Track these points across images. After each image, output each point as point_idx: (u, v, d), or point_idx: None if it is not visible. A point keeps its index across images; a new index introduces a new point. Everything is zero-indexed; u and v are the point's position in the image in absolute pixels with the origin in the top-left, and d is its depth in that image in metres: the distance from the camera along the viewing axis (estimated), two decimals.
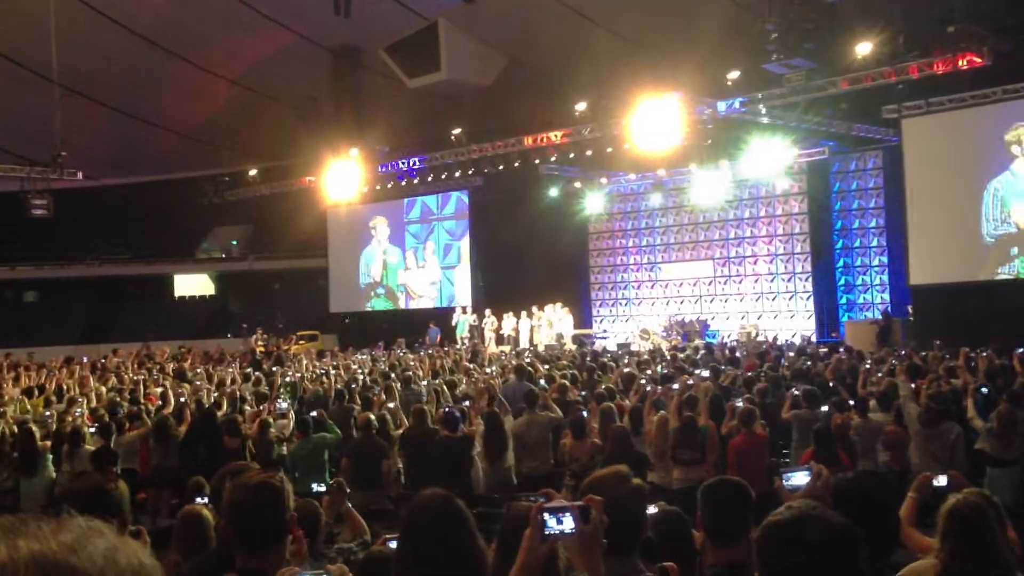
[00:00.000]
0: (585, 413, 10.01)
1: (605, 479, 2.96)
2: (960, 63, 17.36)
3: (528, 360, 17.17)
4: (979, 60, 17.32)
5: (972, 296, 20.29)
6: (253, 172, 31.04)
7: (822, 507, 2.16)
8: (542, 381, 12.99)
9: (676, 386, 11.36)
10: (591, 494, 2.53)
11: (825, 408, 10.08)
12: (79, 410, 12.59)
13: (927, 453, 8.22)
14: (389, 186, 29.05)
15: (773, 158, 24.15)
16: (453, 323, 27.64)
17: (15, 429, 10.77)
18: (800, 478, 3.05)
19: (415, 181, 28.41)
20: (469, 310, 27.82)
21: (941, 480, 4.42)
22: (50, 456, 9.82)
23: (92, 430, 11.50)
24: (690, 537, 4.82)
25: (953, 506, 3.39)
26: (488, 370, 16.51)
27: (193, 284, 41.66)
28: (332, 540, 5.60)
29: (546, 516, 2.33)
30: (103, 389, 16.12)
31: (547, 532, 2.33)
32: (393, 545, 3.69)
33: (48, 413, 12.36)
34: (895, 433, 9.01)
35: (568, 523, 2.32)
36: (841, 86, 18.85)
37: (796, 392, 10.74)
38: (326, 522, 5.42)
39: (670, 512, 4.76)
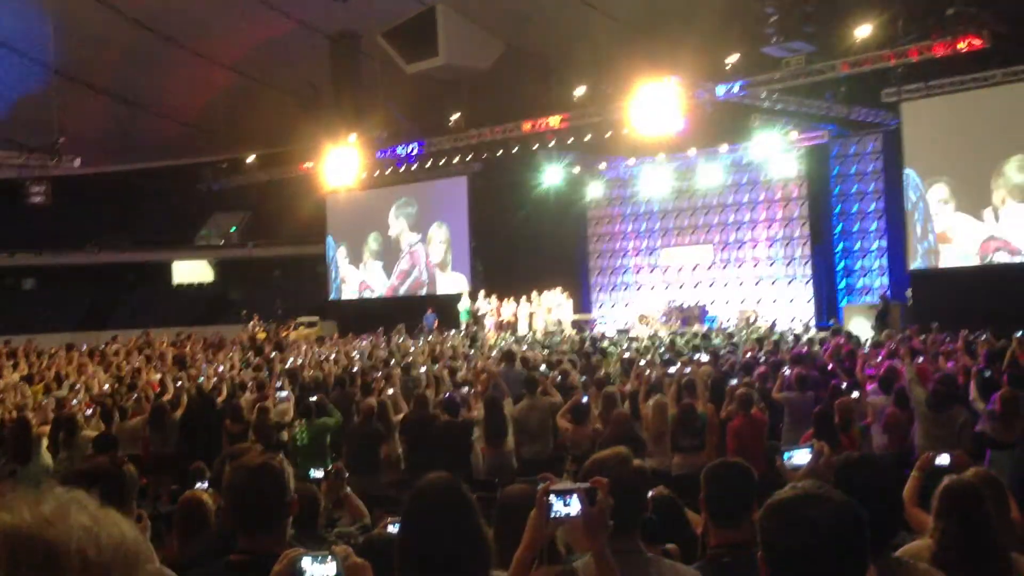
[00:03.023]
0: (586, 399, 10.02)
1: (606, 460, 2.96)
2: (960, 46, 17.32)
3: (527, 346, 17.18)
4: (979, 43, 17.26)
5: (970, 280, 20.27)
6: (251, 159, 30.98)
7: (826, 487, 2.15)
8: (543, 367, 12.99)
9: (673, 370, 11.39)
10: (593, 475, 2.52)
11: (811, 393, 10.12)
12: (77, 397, 12.60)
13: (934, 437, 8.22)
14: (388, 172, 28.98)
15: (773, 142, 24.13)
16: (460, 308, 27.61)
17: (14, 416, 10.76)
18: (801, 457, 3.05)
19: (414, 167, 28.34)
20: (481, 295, 27.64)
21: (943, 459, 4.42)
22: (45, 443, 9.81)
23: (89, 413, 11.53)
24: (686, 520, 4.84)
25: (947, 486, 3.40)
26: (491, 355, 16.53)
27: (192, 271, 41.61)
28: (332, 524, 5.62)
29: (552, 498, 2.31)
30: (102, 375, 16.14)
31: (553, 514, 2.31)
32: (394, 529, 3.69)
33: (45, 401, 12.35)
34: (895, 416, 9.01)
35: (575, 505, 2.31)
36: (841, 69, 18.78)
37: (787, 371, 10.75)
38: (325, 506, 5.43)
39: (665, 496, 4.78)
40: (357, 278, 33.18)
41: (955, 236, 21.07)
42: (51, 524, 0.89)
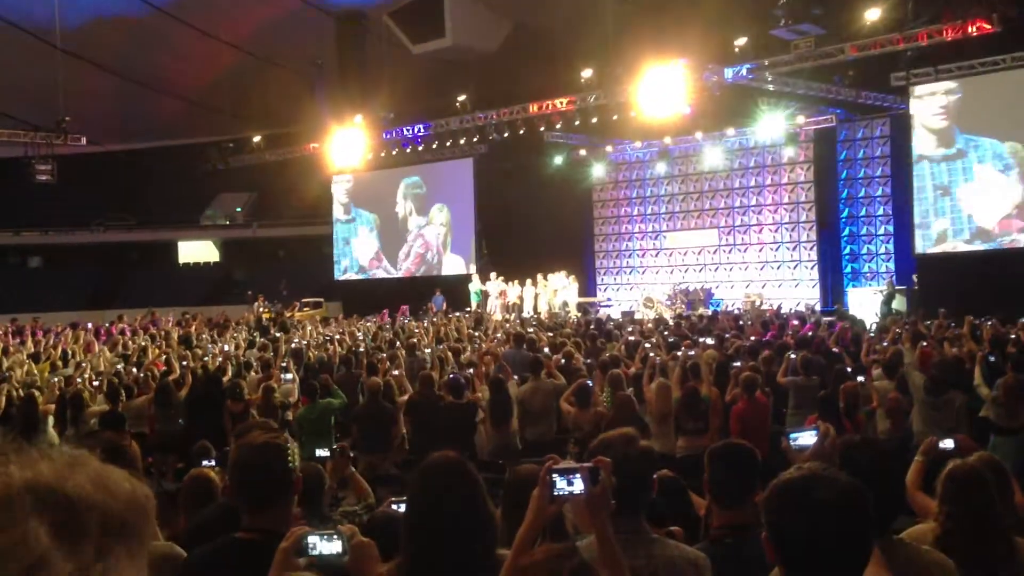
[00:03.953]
0: (590, 382, 10.03)
1: (613, 440, 2.97)
2: (969, 30, 17.21)
3: (532, 328, 17.18)
4: (988, 27, 17.15)
5: (977, 265, 20.22)
6: (257, 139, 30.95)
7: (831, 468, 2.16)
8: (546, 349, 12.98)
9: (678, 353, 11.39)
10: (599, 455, 2.53)
11: (817, 378, 10.12)
12: (82, 375, 12.65)
13: (931, 422, 8.22)
14: (394, 153, 28.94)
15: (780, 126, 24.03)
16: (472, 289, 27.60)
17: (21, 393, 10.83)
18: (807, 438, 3.05)
19: (420, 148, 28.30)
20: (492, 276, 27.60)
21: (947, 443, 4.43)
22: (51, 420, 9.88)
23: (96, 384, 11.59)
24: (689, 502, 4.85)
25: (951, 470, 3.41)
26: (496, 336, 16.55)
27: (198, 251, 41.67)
28: (336, 504, 5.65)
29: (555, 477, 2.33)
30: (108, 354, 16.21)
31: (556, 493, 2.33)
32: (397, 508, 3.71)
33: (55, 379, 12.41)
34: (896, 401, 9.01)
35: (577, 484, 2.32)
36: (849, 53, 18.68)
37: (793, 356, 10.75)
38: (330, 486, 5.46)
39: (669, 478, 4.79)
40: (366, 259, 33.22)
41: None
42: (65, 478, 0.91)
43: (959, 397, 8.40)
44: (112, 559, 0.90)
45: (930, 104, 21.21)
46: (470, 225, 30.09)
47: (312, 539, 2.38)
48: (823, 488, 2.02)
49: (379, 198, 32.39)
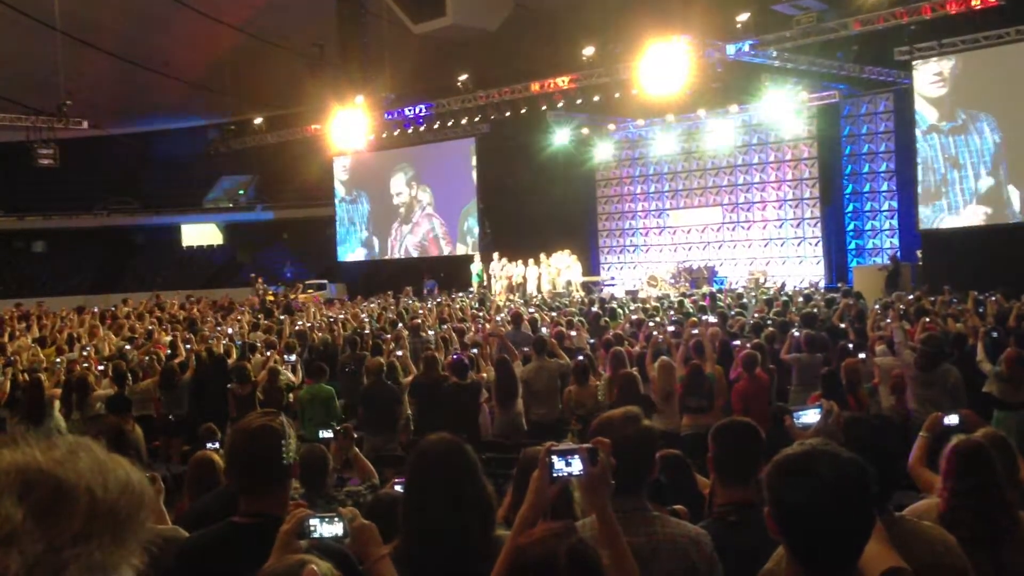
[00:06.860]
0: (590, 353, 10.04)
1: (614, 419, 2.96)
2: (973, 3, 17.09)
3: (534, 308, 17.18)
4: (993, 0, 17.04)
5: (981, 240, 20.16)
6: (259, 120, 30.88)
7: (832, 444, 2.16)
8: (544, 330, 12.98)
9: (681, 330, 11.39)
10: (600, 435, 2.53)
11: (820, 355, 10.11)
12: (88, 360, 12.67)
13: (923, 398, 8.19)
14: (396, 134, 28.86)
15: (783, 102, 23.91)
16: (473, 270, 27.58)
17: (27, 377, 10.83)
18: (811, 416, 3.04)
19: (422, 128, 28.23)
20: (496, 257, 27.60)
21: (952, 419, 4.42)
22: (57, 404, 9.90)
23: (101, 368, 11.62)
24: (692, 478, 4.86)
25: (955, 446, 3.41)
26: (498, 317, 16.55)
27: (201, 234, 41.66)
28: (342, 484, 5.67)
29: (554, 458, 2.34)
30: (113, 337, 16.24)
31: (555, 474, 2.34)
32: (401, 489, 3.72)
33: (58, 360, 12.43)
34: (900, 377, 9.00)
35: (576, 465, 2.33)
36: (853, 27, 18.58)
37: (796, 333, 10.74)
38: (334, 467, 5.47)
39: (673, 456, 4.78)
40: (369, 240, 33.22)
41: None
42: (61, 464, 0.94)
43: (953, 373, 8.32)
44: (92, 544, 0.92)
45: (934, 76, 21.12)
46: (457, 206, 30.03)
47: (313, 521, 2.39)
48: (824, 463, 2.03)
49: (381, 179, 32.34)
